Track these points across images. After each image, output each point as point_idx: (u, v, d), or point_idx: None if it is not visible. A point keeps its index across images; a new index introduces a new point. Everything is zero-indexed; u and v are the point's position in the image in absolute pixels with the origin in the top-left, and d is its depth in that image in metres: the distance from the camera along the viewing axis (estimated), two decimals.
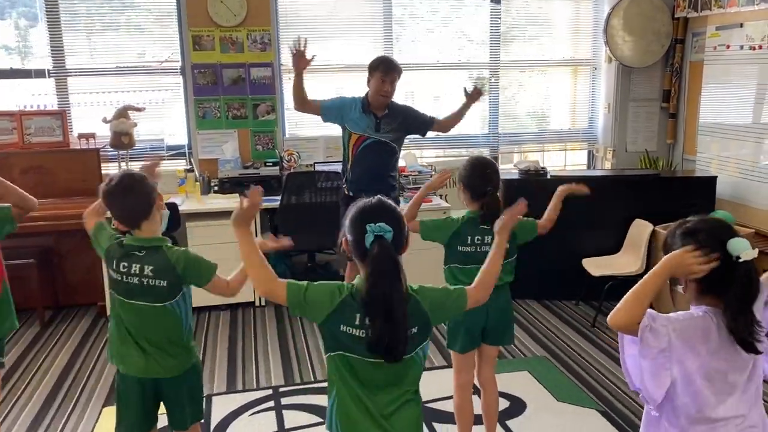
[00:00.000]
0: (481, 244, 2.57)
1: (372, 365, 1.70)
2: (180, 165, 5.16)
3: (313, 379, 3.67)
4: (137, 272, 2.17)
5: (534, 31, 5.64)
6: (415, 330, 1.72)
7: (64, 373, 3.80)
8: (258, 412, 3.31)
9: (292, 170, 5.04)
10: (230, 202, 4.58)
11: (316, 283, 1.74)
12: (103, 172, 4.76)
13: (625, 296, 1.68)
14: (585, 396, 3.43)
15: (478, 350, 2.72)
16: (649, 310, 1.65)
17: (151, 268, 2.17)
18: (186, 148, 5.16)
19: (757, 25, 4.46)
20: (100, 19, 4.94)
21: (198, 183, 4.89)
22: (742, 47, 4.61)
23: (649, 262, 4.35)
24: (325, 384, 3.50)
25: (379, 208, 1.73)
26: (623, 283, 4.32)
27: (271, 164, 5.07)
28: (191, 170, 5.01)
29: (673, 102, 5.49)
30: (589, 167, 5.93)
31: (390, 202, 1.77)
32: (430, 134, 4.12)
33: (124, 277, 2.19)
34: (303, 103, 3.99)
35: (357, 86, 4.72)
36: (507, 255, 2.62)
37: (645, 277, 1.67)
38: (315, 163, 5.16)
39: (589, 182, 4.80)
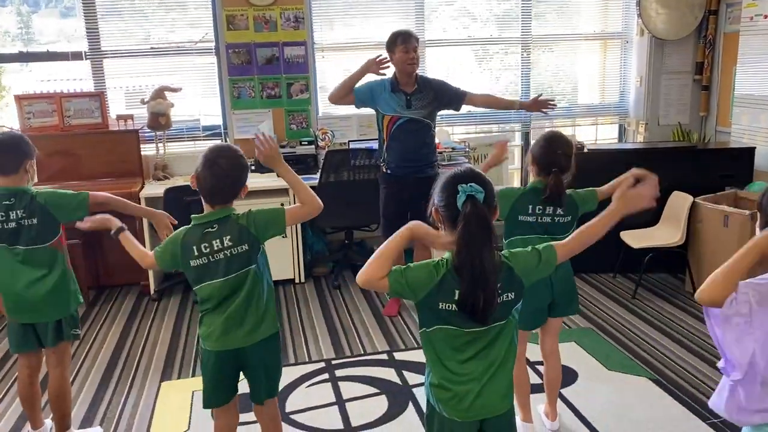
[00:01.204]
0: (541, 214, 2.59)
1: (468, 335, 1.74)
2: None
3: (363, 352, 3.72)
4: (219, 246, 2.19)
5: (564, 6, 5.61)
6: (511, 296, 1.75)
7: (117, 350, 3.87)
8: (314, 384, 3.37)
9: (327, 149, 5.06)
10: (269, 180, 4.60)
11: (413, 264, 1.76)
12: (141, 153, 4.82)
13: (714, 272, 1.68)
14: (635, 364, 3.47)
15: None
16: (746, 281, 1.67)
17: (228, 237, 2.19)
18: (221, 128, 5.19)
19: None
20: (133, 1, 4.95)
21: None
22: None
23: (689, 233, 4.38)
24: (376, 356, 3.62)
25: (470, 172, 1.76)
26: (663, 254, 4.39)
27: (306, 143, 5.09)
28: None
29: (707, 74, 5.46)
30: (620, 141, 5.92)
31: (479, 169, 1.80)
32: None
33: (210, 257, 2.20)
34: (345, 97, 4.07)
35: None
36: (566, 227, 2.64)
37: (736, 254, 1.68)
38: (349, 141, 5.18)
39: (625, 155, 4.94)
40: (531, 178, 2.67)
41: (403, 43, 3.86)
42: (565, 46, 5.71)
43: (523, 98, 5.60)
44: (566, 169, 2.57)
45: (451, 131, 5.43)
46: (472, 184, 1.69)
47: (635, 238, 4.47)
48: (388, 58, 3.96)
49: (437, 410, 1.80)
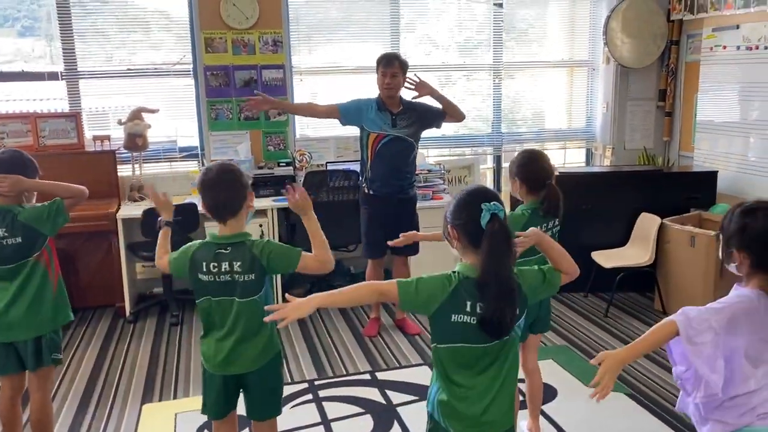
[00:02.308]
0: (544, 231, 2.68)
1: (478, 350, 1.79)
2: (192, 166, 5.19)
3: (345, 372, 3.75)
4: (228, 269, 2.22)
5: (533, 34, 5.81)
6: (518, 311, 1.81)
7: (95, 373, 3.82)
8: (298, 404, 3.38)
9: (304, 170, 5.11)
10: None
11: (424, 277, 1.81)
12: (118, 174, 4.79)
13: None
14: None
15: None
16: (684, 313, 1.76)
17: (239, 263, 2.22)
18: (198, 150, 5.20)
19: (753, 26, 4.68)
20: (111, 21, 4.95)
21: (192, 188, 4.92)
22: (738, 48, 4.83)
23: (658, 253, 4.54)
24: (358, 376, 3.65)
25: (488, 190, 1.83)
26: (633, 273, 4.55)
27: (284, 164, 5.13)
28: None
29: (669, 101, 5.70)
30: (587, 164, 6.11)
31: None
32: (435, 134, 4.23)
33: (216, 276, 2.23)
34: (313, 115, 4.24)
35: (366, 87, 4.83)
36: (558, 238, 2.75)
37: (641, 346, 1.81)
38: (327, 162, 5.24)
39: (595, 178, 5.12)
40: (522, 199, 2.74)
41: (384, 67, 3.96)
42: (534, 73, 5.90)
43: (494, 122, 5.77)
44: (551, 180, 2.68)
45: (426, 154, 5.53)
46: (495, 202, 1.75)
47: (606, 258, 4.62)
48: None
49: (442, 425, 1.85)
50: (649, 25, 5.47)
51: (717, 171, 4.93)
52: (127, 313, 4.61)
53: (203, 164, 5.15)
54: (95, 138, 4.77)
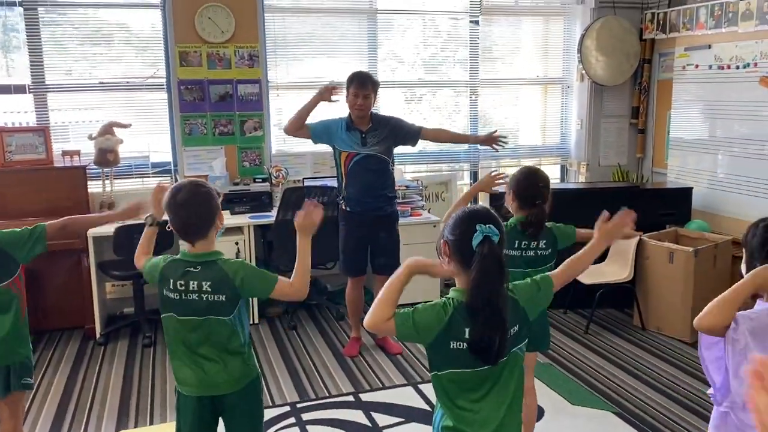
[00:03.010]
0: (526, 249, 2.66)
1: (480, 374, 1.74)
2: (165, 183, 5.04)
3: (328, 394, 3.65)
4: (195, 288, 2.13)
5: (508, 52, 5.84)
6: (516, 329, 1.77)
7: (65, 399, 3.65)
8: (282, 428, 3.28)
9: (280, 186, 5.03)
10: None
11: (419, 306, 1.75)
12: (89, 190, 4.64)
13: (711, 302, 1.79)
14: (597, 399, 3.56)
15: None
16: (743, 312, 1.78)
17: (209, 283, 2.13)
18: (172, 165, 5.07)
19: (725, 46, 4.79)
20: (82, 34, 4.81)
21: None
22: (710, 67, 4.93)
23: (637, 269, 4.57)
24: (342, 398, 3.56)
25: (488, 212, 1.78)
26: (611, 290, 4.56)
27: (260, 180, 5.04)
28: None
29: (642, 118, 5.79)
30: (562, 181, 6.15)
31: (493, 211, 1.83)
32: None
33: (183, 294, 2.13)
34: (300, 128, 4.06)
35: (343, 103, 4.78)
36: (546, 260, 2.73)
37: (734, 285, 1.79)
38: (304, 178, 5.16)
39: (573, 194, 5.14)
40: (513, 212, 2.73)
41: (355, 88, 3.90)
42: (509, 90, 5.92)
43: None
44: (545, 201, 2.67)
45: (404, 169, 5.50)
46: (491, 225, 1.71)
47: (586, 275, 4.61)
48: (342, 86, 3.98)
49: None
50: (622, 43, 5.55)
51: (692, 187, 5.00)
52: (98, 335, 4.44)
53: (177, 180, 5.02)
54: (64, 153, 4.61)
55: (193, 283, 2.13)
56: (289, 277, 2.18)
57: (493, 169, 2.72)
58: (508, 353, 1.77)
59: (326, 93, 3.98)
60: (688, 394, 3.60)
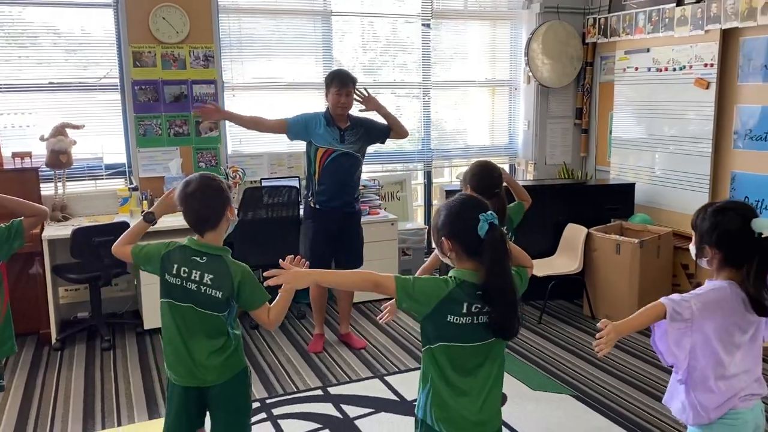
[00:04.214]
0: None
1: (469, 350, 1.84)
2: (119, 184, 4.99)
3: (296, 389, 3.70)
4: (197, 279, 2.18)
5: (457, 55, 6.01)
6: None
7: (26, 405, 3.57)
8: (253, 424, 3.28)
9: (237, 187, 5.04)
10: (179, 219, 4.48)
11: (421, 276, 1.85)
12: (41, 193, 4.53)
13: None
14: (555, 383, 3.74)
15: None
16: (670, 298, 1.94)
17: (210, 276, 2.18)
18: (126, 167, 5.00)
19: (662, 50, 5.09)
20: (32, 33, 4.70)
21: (145, 201, 4.75)
22: (649, 69, 5.22)
23: (585, 261, 4.79)
24: (310, 393, 3.61)
25: (478, 200, 1.89)
26: (562, 281, 4.77)
27: None
28: (136, 189, 4.86)
29: (585, 119, 6.07)
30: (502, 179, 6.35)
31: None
32: (368, 150, 4.28)
33: (184, 282, 2.19)
34: (259, 129, 4.15)
35: (299, 104, 4.85)
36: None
37: (641, 314, 1.97)
38: (261, 179, 5.18)
39: (526, 191, 5.32)
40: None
41: (337, 86, 3.97)
42: (459, 92, 6.10)
43: (423, 139, 5.91)
44: (500, 190, 2.84)
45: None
46: (491, 212, 1.81)
47: (538, 267, 4.76)
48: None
49: (435, 428, 1.88)
50: (566, 47, 5.81)
51: (635, 183, 5.28)
52: (53, 340, 4.34)
53: (131, 182, 4.97)
54: (15, 155, 4.49)
55: (196, 273, 2.18)
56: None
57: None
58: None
59: (211, 115, 4.15)
60: (638, 376, 3.82)
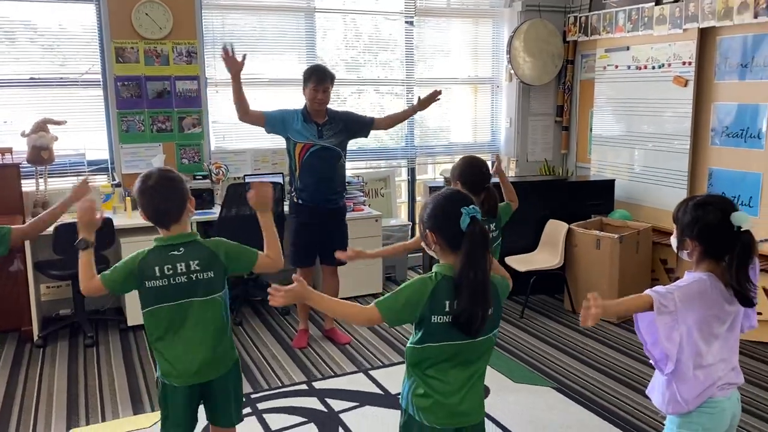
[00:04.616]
0: None
1: (459, 347, 1.85)
2: (102, 180, 4.96)
3: (281, 384, 3.72)
4: (184, 270, 2.17)
5: (440, 52, 6.05)
6: (491, 310, 1.88)
7: (8, 402, 3.55)
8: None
9: (221, 183, 5.04)
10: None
11: (401, 288, 1.86)
12: (22, 189, 4.50)
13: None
14: (536, 376, 3.79)
15: None
16: (655, 290, 1.99)
17: (196, 262, 2.18)
18: (108, 163, 4.98)
19: (641, 48, 5.17)
20: (11, 28, 4.66)
21: (128, 197, 4.73)
22: (629, 67, 5.30)
23: (566, 256, 4.86)
24: (295, 387, 3.63)
25: (463, 194, 1.91)
26: (544, 276, 4.84)
27: (200, 177, 5.02)
28: (119, 185, 4.84)
29: (566, 116, 6.14)
30: (493, 176, 6.41)
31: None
32: (351, 147, 4.31)
33: (171, 279, 2.16)
34: (246, 112, 4.04)
35: (283, 100, 4.83)
36: (496, 240, 2.95)
37: (630, 299, 2.02)
38: (245, 175, 5.18)
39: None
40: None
41: (315, 83, 3.98)
42: (442, 89, 6.08)
43: (407, 136, 5.95)
44: (490, 185, 2.88)
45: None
46: (473, 206, 1.83)
47: (520, 263, 4.88)
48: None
49: (417, 419, 1.90)
50: (547, 45, 5.87)
51: (614, 180, 5.36)
52: (35, 337, 4.31)
53: (114, 178, 4.94)
54: None
55: (181, 265, 2.17)
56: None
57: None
58: (489, 332, 1.89)
59: (233, 64, 3.87)
60: (618, 369, 3.89)
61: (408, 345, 1.92)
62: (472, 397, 1.92)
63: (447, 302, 1.82)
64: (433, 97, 4.26)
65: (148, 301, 2.20)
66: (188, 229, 2.27)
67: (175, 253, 2.19)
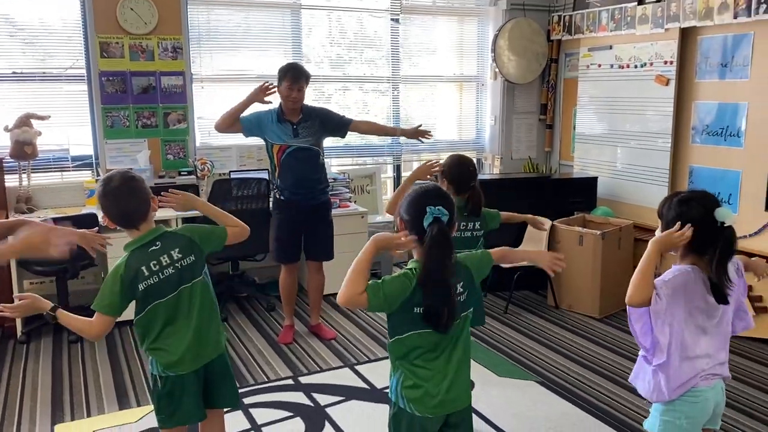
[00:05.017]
0: (464, 230, 2.88)
1: (436, 335, 1.90)
2: (86, 176, 4.94)
3: (267, 379, 3.73)
4: (168, 261, 2.21)
5: (426, 50, 6.08)
6: (465, 295, 1.95)
7: None
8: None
9: (206, 179, 5.03)
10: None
11: (387, 279, 1.89)
12: (5, 184, 4.47)
13: (634, 279, 2.02)
14: (521, 370, 3.84)
15: None
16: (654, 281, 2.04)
17: (176, 250, 2.23)
18: (93, 159, 4.95)
19: (624, 47, 5.24)
20: None
21: None
22: (612, 66, 5.37)
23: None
24: (281, 382, 3.65)
25: (438, 192, 1.95)
26: (528, 273, 4.89)
27: (185, 173, 5.02)
28: None
29: (550, 114, 6.20)
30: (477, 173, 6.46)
31: (444, 189, 2.00)
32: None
33: (161, 273, 2.19)
34: (231, 126, 4.09)
35: (268, 97, 4.82)
36: (479, 240, 2.98)
37: (643, 260, 2.03)
38: (230, 171, 5.18)
39: (491, 185, 5.44)
40: None
41: (289, 81, 3.97)
42: (428, 87, 6.18)
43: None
44: (476, 183, 2.92)
45: (330, 163, 5.62)
46: (440, 206, 1.86)
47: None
48: (275, 86, 4.04)
49: (408, 410, 1.94)
50: (531, 44, 5.93)
51: (597, 177, 5.43)
52: (19, 333, 4.29)
53: (98, 174, 4.92)
54: None
55: (165, 258, 2.20)
56: None
57: (431, 160, 2.89)
58: (458, 317, 1.95)
59: (260, 93, 4.02)
60: (599, 363, 3.95)
61: (390, 341, 1.96)
62: (459, 383, 1.97)
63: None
64: (423, 134, 4.26)
65: (145, 303, 2.21)
66: (153, 225, 2.27)
67: (154, 248, 2.21)
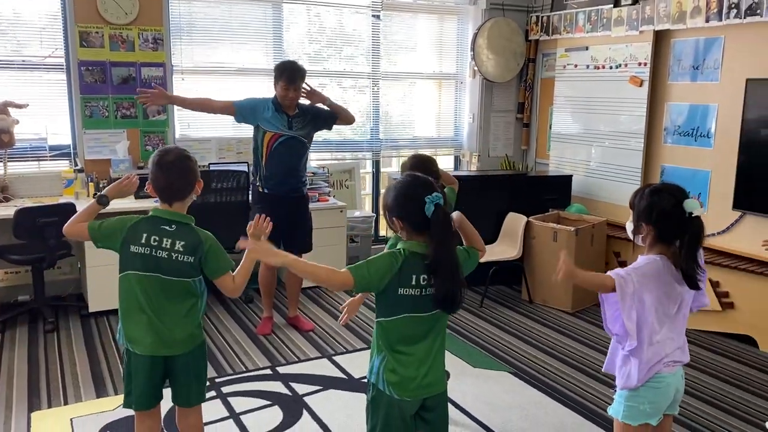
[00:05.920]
0: None
1: (419, 319, 1.97)
2: (64, 166, 4.92)
3: (245, 369, 3.77)
4: (168, 246, 2.23)
5: (406, 47, 6.15)
6: None
7: None
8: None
9: None
10: (126, 201, 4.46)
11: (372, 258, 1.95)
12: None
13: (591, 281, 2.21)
14: (494, 362, 3.93)
15: None
16: (616, 272, 2.13)
17: (182, 243, 2.24)
18: (71, 148, 4.93)
19: (600, 48, 5.35)
20: None
21: (91, 183, 4.71)
22: (588, 66, 5.48)
23: (525, 248, 5.01)
24: (259, 372, 3.69)
25: (427, 181, 1.99)
26: (503, 268, 4.98)
27: None
28: (81, 171, 4.80)
29: (527, 113, 6.30)
30: (455, 169, 6.56)
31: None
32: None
33: (153, 250, 2.23)
34: (212, 110, 4.24)
35: (248, 89, 4.85)
36: None
37: (586, 278, 2.19)
38: (210, 164, 5.19)
39: (470, 181, 5.53)
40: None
41: (286, 82, 4.02)
42: (407, 83, 6.24)
43: (372, 129, 6.03)
44: (438, 179, 2.97)
45: (310, 157, 5.63)
46: (435, 193, 1.93)
47: None
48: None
49: (387, 393, 1.99)
50: (510, 43, 6.02)
51: (572, 175, 5.54)
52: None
53: (76, 164, 4.90)
54: None
55: (167, 241, 2.23)
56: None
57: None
58: None
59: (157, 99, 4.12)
60: (571, 354, 4.05)
61: (376, 320, 2.01)
62: (435, 368, 2.04)
63: (414, 276, 1.94)
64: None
65: (124, 265, 2.28)
66: (185, 211, 2.33)
67: (167, 228, 2.25)
